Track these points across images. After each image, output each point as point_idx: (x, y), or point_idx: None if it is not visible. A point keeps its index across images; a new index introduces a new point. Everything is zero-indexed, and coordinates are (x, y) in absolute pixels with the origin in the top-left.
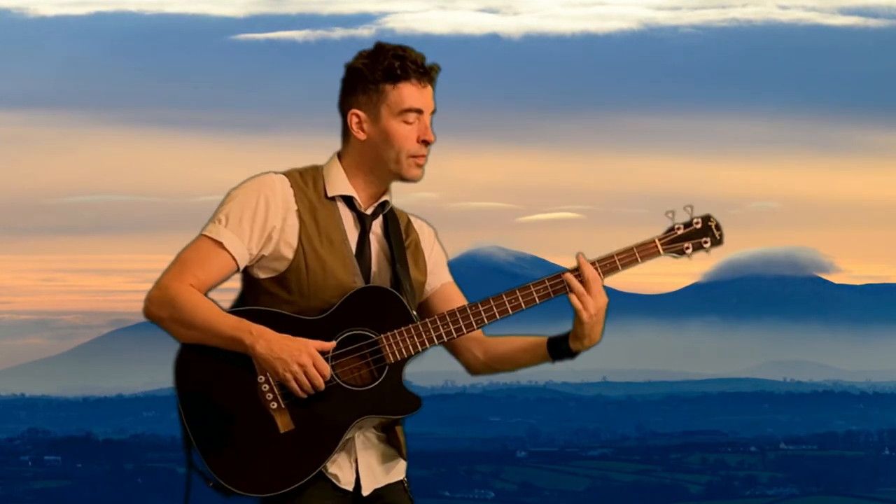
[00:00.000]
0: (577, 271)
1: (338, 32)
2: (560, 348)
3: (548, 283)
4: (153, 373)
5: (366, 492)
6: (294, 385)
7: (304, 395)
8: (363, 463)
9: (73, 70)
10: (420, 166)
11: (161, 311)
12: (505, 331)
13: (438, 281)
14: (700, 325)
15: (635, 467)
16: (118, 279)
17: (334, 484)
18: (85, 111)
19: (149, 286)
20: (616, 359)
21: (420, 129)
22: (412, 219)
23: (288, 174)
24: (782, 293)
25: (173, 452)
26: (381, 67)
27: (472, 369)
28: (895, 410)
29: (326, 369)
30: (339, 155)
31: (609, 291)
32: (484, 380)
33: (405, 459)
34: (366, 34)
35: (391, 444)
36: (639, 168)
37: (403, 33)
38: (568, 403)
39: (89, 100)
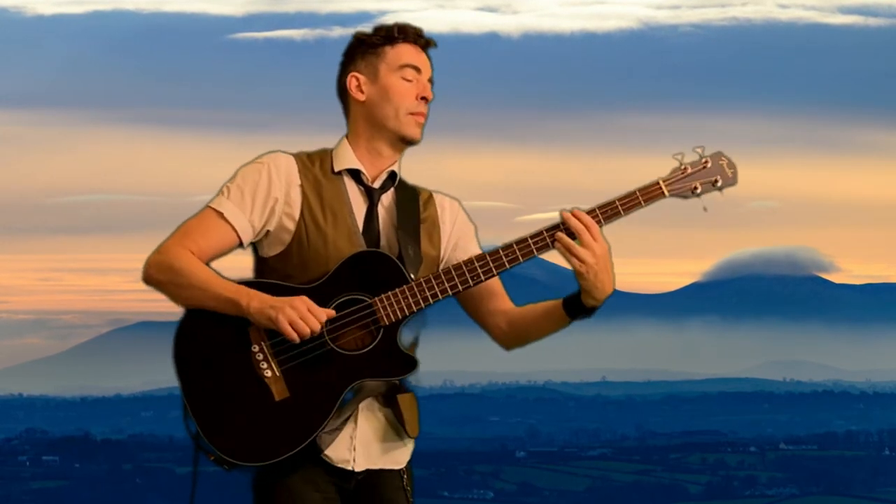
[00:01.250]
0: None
1: (336, 31)
2: (576, 306)
3: (545, 234)
4: (151, 372)
5: (358, 468)
6: (287, 327)
7: (299, 339)
8: (360, 438)
9: (71, 69)
10: (420, 125)
11: (160, 275)
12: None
13: (465, 254)
14: (700, 325)
15: (635, 467)
16: (116, 279)
17: (327, 466)
18: (83, 110)
19: (146, 286)
20: (615, 358)
21: (419, 87)
22: (435, 195)
23: (296, 154)
24: (782, 293)
25: (172, 452)
26: (380, 34)
27: (501, 342)
28: (895, 410)
29: (322, 312)
30: (346, 135)
31: None
32: (483, 379)
33: (411, 435)
34: None
35: (395, 417)
36: (638, 167)
37: None
38: (567, 403)
39: (87, 99)
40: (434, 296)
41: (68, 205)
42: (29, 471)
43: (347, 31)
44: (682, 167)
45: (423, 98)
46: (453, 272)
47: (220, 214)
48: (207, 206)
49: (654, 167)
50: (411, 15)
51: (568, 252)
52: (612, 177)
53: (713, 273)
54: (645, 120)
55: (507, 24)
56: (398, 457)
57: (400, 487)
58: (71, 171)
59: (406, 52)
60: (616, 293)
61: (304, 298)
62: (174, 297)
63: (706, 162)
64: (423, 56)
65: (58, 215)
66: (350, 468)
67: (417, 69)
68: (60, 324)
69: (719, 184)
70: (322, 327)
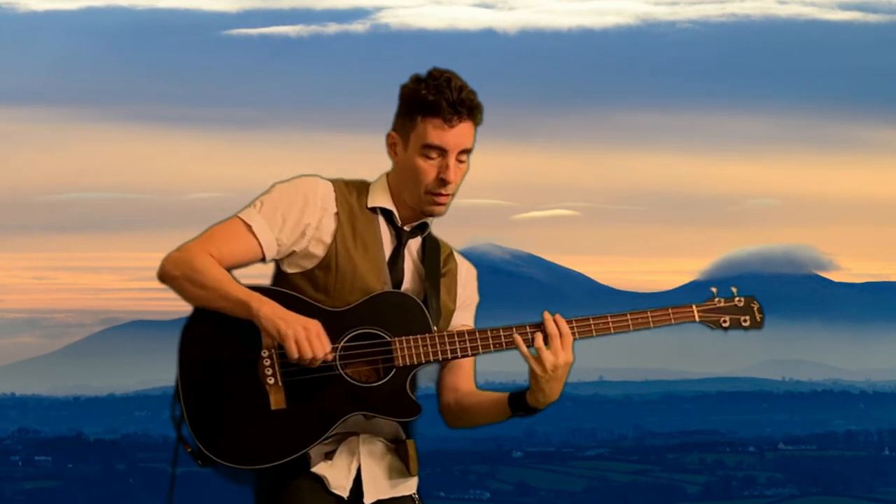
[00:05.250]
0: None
1: (332, 28)
2: (519, 403)
3: (529, 329)
4: (145, 372)
5: (367, 500)
6: (292, 344)
7: (301, 361)
8: (367, 473)
9: (63, 66)
10: (438, 204)
11: (175, 270)
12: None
13: (460, 322)
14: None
15: (632, 467)
16: (110, 277)
17: (325, 485)
18: (76, 107)
19: (141, 284)
20: (613, 358)
21: (440, 167)
22: (455, 253)
23: (334, 181)
24: (781, 291)
25: (165, 452)
26: (419, 97)
27: (446, 418)
28: (895, 410)
29: (328, 345)
30: (388, 173)
31: (606, 290)
32: (480, 379)
33: (414, 475)
34: (360, 29)
35: (399, 457)
36: (636, 165)
37: (398, 29)
38: (564, 403)
39: (80, 96)
40: (454, 352)
41: (61, 203)
42: (21, 471)
43: (342, 28)
44: (717, 300)
45: (442, 179)
46: (478, 336)
47: (249, 227)
48: (236, 216)
49: (652, 164)
50: (407, 11)
51: (539, 351)
52: (608, 174)
53: (711, 271)
54: (642, 117)
55: (504, 20)
56: (408, 486)
57: None
58: (64, 168)
59: (433, 131)
60: (613, 292)
61: (318, 323)
62: (185, 294)
63: (739, 301)
64: (456, 130)
65: (51, 213)
66: (345, 495)
67: (442, 150)
68: (53, 323)
69: (747, 324)
70: (335, 353)
